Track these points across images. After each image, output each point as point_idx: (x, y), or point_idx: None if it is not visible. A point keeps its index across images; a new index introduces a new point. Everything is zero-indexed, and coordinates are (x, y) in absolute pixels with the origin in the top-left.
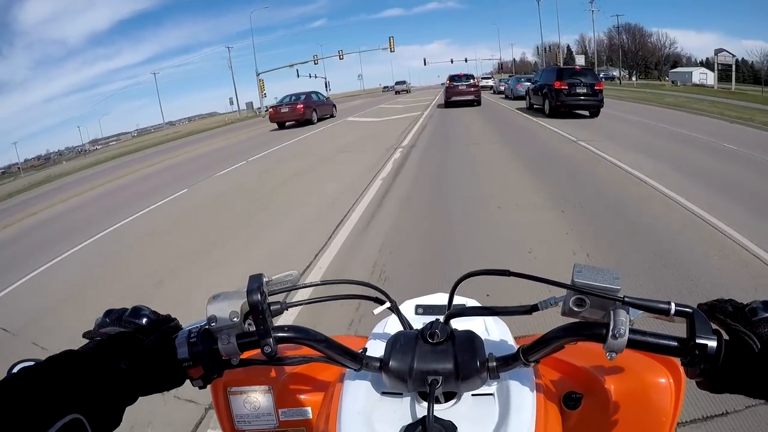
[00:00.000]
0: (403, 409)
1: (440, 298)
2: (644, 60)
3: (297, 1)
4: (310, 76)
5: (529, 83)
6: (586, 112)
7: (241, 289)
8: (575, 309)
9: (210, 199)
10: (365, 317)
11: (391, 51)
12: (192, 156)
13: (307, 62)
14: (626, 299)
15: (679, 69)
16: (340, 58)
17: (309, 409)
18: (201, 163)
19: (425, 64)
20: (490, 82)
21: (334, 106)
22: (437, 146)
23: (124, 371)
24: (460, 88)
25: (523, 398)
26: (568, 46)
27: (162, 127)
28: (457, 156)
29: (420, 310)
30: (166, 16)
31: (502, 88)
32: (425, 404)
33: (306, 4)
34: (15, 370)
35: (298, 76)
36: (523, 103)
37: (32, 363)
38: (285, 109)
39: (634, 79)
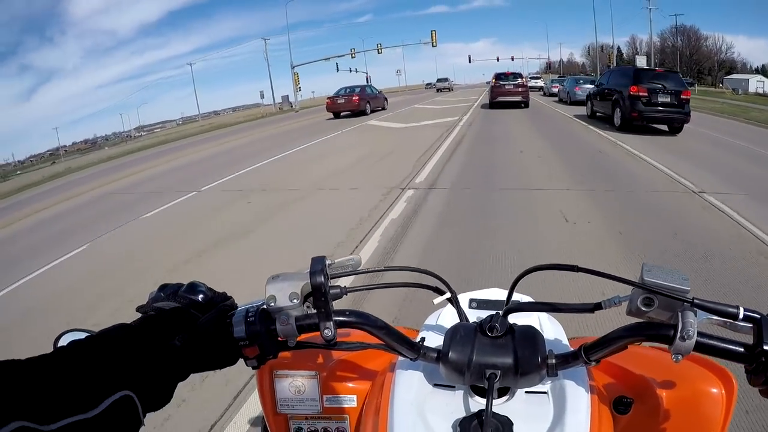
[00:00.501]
0: (456, 403)
1: (495, 293)
2: (698, 65)
3: None
4: (351, 71)
5: (590, 85)
6: (663, 126)
7: (302, 270)
8: (642, 308)
9: None
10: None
11: (432, 45)
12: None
13: (343, 56)
14: (696, 301)
15: (734, 76)
16: (378, 52)
17: (355, 397)
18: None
19: (470, 62)
20: (540, 83)
21: (386, 99)
22: (473, 182)
23: (178, 348)
24: (506, 87)
25: (578, 399)
26: (619, 48)
27: (207, 116)
28: (504, 213)
29: (474, 304)
30: (211, 10)
31: (555, 89)
32: (478, 398)
33: (350, 0)
34: (65, 341)
35: (337, 70)
36: (581, 110)
37: (83, 334)
38: (341, 100)
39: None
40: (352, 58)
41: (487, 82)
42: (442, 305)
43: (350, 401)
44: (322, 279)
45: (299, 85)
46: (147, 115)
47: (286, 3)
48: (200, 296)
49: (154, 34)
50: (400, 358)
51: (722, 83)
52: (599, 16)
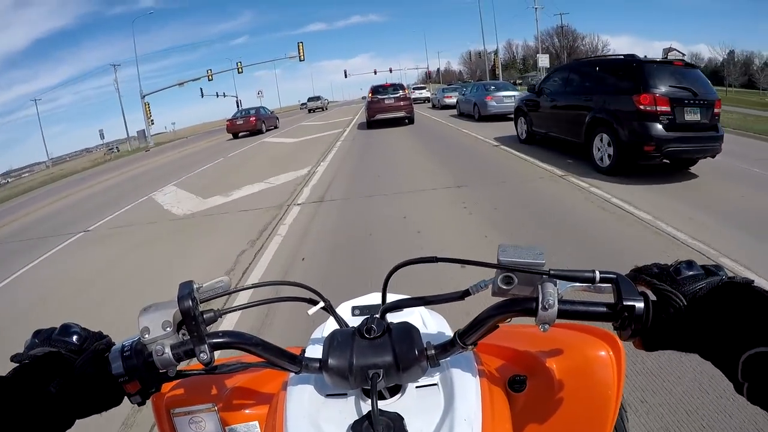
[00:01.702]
0: (348, 408)
1: (375, 298)
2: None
3: (215, 15)
4: (217, 95)
5: (508, 93)
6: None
7: (172, 299)
8: (504, 287)
9: None
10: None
11: (300, 60)
12: None
13: (199, 79)
14: (552, 272)
15: None
16: (239, 71)
17: (257, 423)
18: None
19: (346, 77)
20: (425, 93)
21: (278, 118)
22: None
23: (53, 394)
24: (386, 102)
25: (467, 385)
26: (496, 52)
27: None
28: None
29: (356, 311)
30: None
31: (450, 100)
32: (370, 401)
33: (223, 20)
34: None
35: (202, 95)
36: (499, 129)
37: None
38: (240, 122)
39: None
40: (209, 80)
41: (363, 98)
42: (325, 317)
43: (253, 429)
44: (190, 303)
45: (151, 117)
46: (16, 157)
47: (132, 21)
48: (74, 337)
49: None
50: (291, 375)
51: None
52: (474, 24)
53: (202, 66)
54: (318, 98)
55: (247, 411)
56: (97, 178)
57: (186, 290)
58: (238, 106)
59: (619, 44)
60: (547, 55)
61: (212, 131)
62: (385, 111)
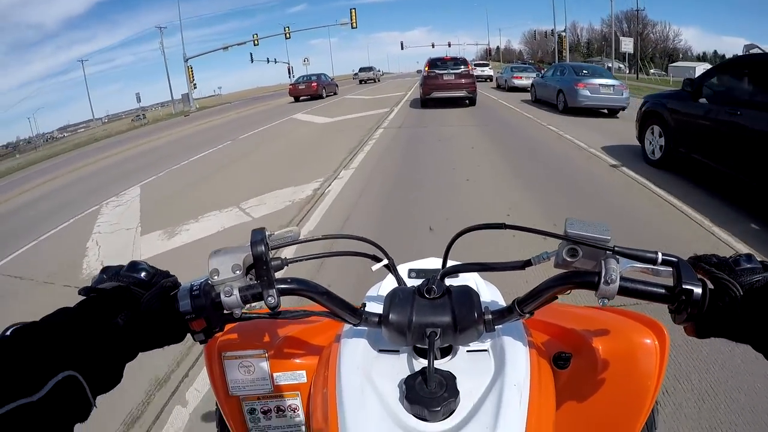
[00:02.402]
0: (400, 365)
1: (432, 263)
2: (643, 52)
3: None
4: (268, 61)
5: (604, 81)
6: None
7: (243, 244)
8: (568, 259)
9: None
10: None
11: (352, 27)
12: None
13: (244, 43)
14: (616, 248)
15: (679, 63)
16: (286, 37)
17: (304, 372)
18: None
19: (402, 49)
20: (488, 71)
21: (337, 85)
22: None
23: (121, 326)
24: (445, 78)
25: (517, 353)
26: (559, 35)
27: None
28: None
29: (413, 274)
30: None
31: (519, 82)
32: (422, 360)
33: None
34: (8, 333)
35: (252, 61)
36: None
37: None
38: (302, 86)
39: (629, 72)
40: (255, 45)
41: (418, 71)
42: (381, 276)
43: (300, 377)
44: (263, 248)
45: (194, 81)
46: (73, 114)
47: None
48: (143, 273)
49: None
50: (345, 328)
51: (666, 71)
52: (537, 2)
53: (251, 33)
54: (370, 69)
55: (296, 360)
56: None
57: (259, 236)
58: (289, 73)
59: (686, 36)
60: (632, 39)
61: (259, 97)
62: (443, 89)
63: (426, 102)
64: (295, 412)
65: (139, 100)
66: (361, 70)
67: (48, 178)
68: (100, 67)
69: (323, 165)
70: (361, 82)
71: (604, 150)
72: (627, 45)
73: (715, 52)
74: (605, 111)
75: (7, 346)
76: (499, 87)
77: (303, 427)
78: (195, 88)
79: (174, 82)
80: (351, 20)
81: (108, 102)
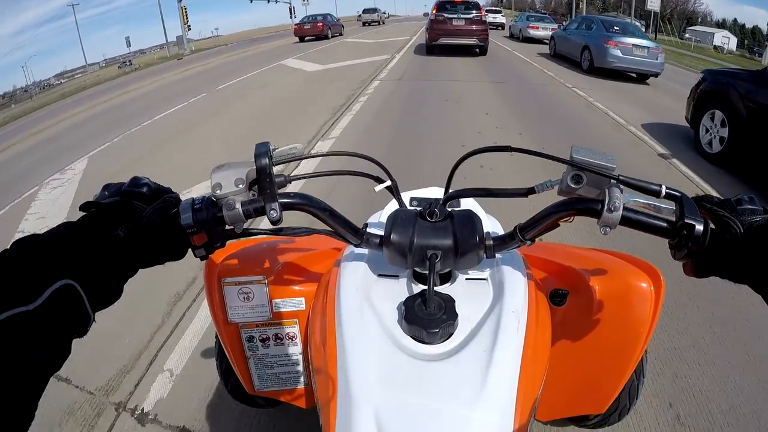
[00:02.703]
0: (399, 288)
1: (434, 192)
2: (661, 12)
3: None
4: (269, 1)
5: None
6: None
7: (247, 159)
8: (572, 186)
9: None
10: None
11: None
12: None
13: None
14: (621, 177)
15: (697, 28)
16: None
17: (303, 299)
18: None
19: None
20: (500, 18)
21: (342, 26)
22: None
23: (122, 239)
24: (454, 23)
25: (516, 283)
26: None
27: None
28: None
29: (415, 202)
30: None
31: (535, 32)
32: (421, 285)
33: None
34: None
35: (251, 0)
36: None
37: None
38: (307, 26)
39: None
40: None
41: (425, 14)
42: (384, 203)
43: (299, 304)
44: (267, 161)
45: (188, 23)
46: (69, 60)
47: None
48: (144, 188)
49: None
50: (345, 253)
51: (684, 34)
52: None
53: None
54: (374, 10)
55: (295, 287)
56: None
57: (263, 149)
58: (290, 13)
59: (752, 14)
60: None
61: (258, 38)
62: (451, 35)
63: (432, 48)
64: (293, 340)
65: (128, 44)
66: (365, 11)
67: (6, 145)
68: (96, 10)
69: (296, 132)
70: (364, 24)
71: (645, 129)
72: (654, 2)
73: (735, 20)
74: (633, 75)
75: (5, 255)
76: (512, 36)
77: (300, 356)
78: (189, 29)
79: (171, 24)
80: None
81: (106, 46)
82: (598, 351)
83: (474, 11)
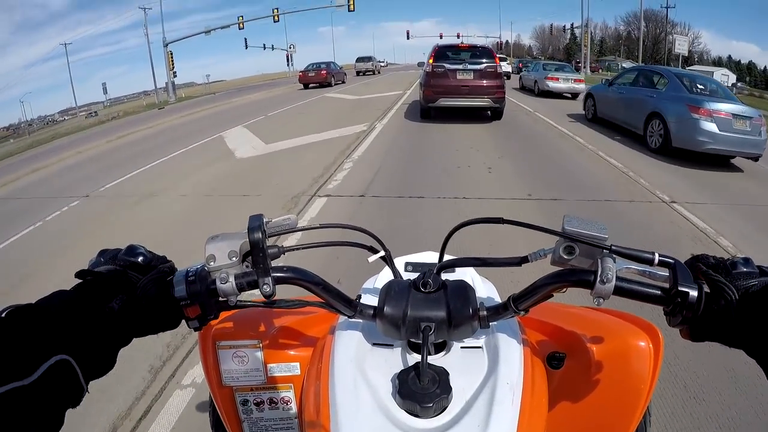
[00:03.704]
0: (394, 359)
1: (429, 257)
2: (657, 54)
3: None
4: (264, 48)
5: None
6: None
7: (240, 231)
8: (565, 257)
9: None
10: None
11: (349, 10)
12: None
13: (228, 26)
14: (613, 247)
15: (696, 67)
16: (274, 20)
17: (298, 364)
18: None
19: (408, 38)
20: (506, 66)
21: (345, 74)
22: None
23: (116, 311)
24: (459, 77)
25: (512, 351)
26: (585, 27)
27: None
28: None
29: (410, 267)
30: None
31: (557, 86)
32: (416, 355)
33: None
34: (3, 315)
35: (246, 47)
36: None
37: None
38: (312, 74)
39: None
40: (240, 28)
41: (419, 64)
42: (378, 269)
43: (294, 369)
44: (260, 235)
45: (173, 69)
46: (81, 95)
47: None
48: (140, 258)
49: None
50: (340, 320)
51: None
52: None
53: (244, 17)
54: (369, 59)
55: (290, 352)
56: None
57: (256, 222)
58: (287, 61)
59: (743, 50)
60: (687, 38)
61: (246, 88)
62: (455, 93)
63: (427, 112)
64: (288, 404)
65: (105, 91)
66: (359, 60)
67: None
68: (104, 49)
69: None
70: (358, 73)
71: None
72: (682, 46)
73: (730, 57)
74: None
75: (4, 328)
76: (523, 88)
77: (296, 421)
78: (175, 76)
79: (160, 70)
80: (348, 2)
81: (114, 84)
82: (597, 413)
83: (485, 60)
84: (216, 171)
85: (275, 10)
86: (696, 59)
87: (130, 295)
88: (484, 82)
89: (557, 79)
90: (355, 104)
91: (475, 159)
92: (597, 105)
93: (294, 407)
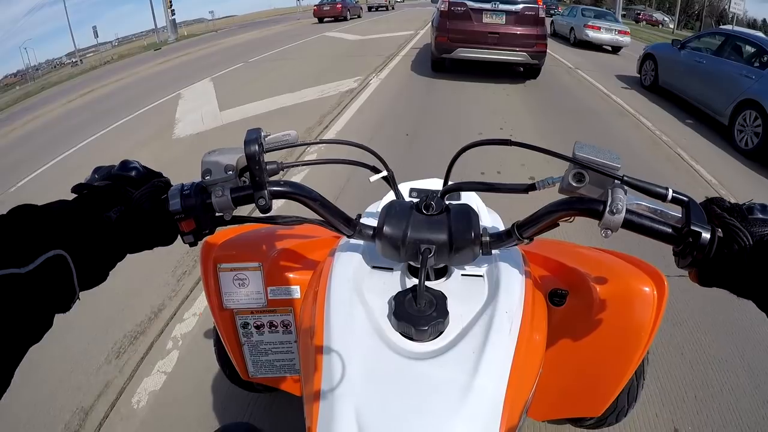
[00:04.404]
0: (392, 282)
1: (434, 183)
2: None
3: None
4: None
5: None
6: None
7: (238, 145)
8: (574, 184)
9: None
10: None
11: None
12: None
13: None
14: (626, 177)
15: (726, 27)
16: None
17: (297, 288)
18: None
19: None
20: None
21: (361, 8)
22: None
23: (113, 221)
24: (486, 21)
25: (512, 281)
26: None
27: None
28: None
29: (414, 193)
30: None
31: (600, 36)
32: (415, 279)
33: None
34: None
35: None
36: None
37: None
38: (327, 8)
39: (672, 26)
40: None
41: (433, 1)
42: (380, 185)
43: (294, 292)
44: (256, 148)
45: (172, 7)
46: (81, 39)
47: None
48: (133, 172)
49: None
50: (341, 243)
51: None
52: None
53: None
54: None
55: (290, 275)
56: None
57: (254, 135)
58: None
59: None
60: None
61: (255, 23)
62: (478, 43)
63: (440, 64)
64: (287, 328)
65: (96, 35)
66: None
67: None
68: None
69: None
70: (370, 9)
71: None
72: (738, 4)
73: (765, 20)
74: None
75: (4, 219)
76: (555, 35)
77: (295, 344)
78: (173, 14)
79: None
80: None
81: (121, 24)
82: (596, 354)
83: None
84: (179, 148)
85: None
86: (731, 18)
87: (126, 207)
88: (520, 29)
89: (598, 28)
90: (354, 47)
91: (508, 160)
92: (660, 70)
93: (294, 330)
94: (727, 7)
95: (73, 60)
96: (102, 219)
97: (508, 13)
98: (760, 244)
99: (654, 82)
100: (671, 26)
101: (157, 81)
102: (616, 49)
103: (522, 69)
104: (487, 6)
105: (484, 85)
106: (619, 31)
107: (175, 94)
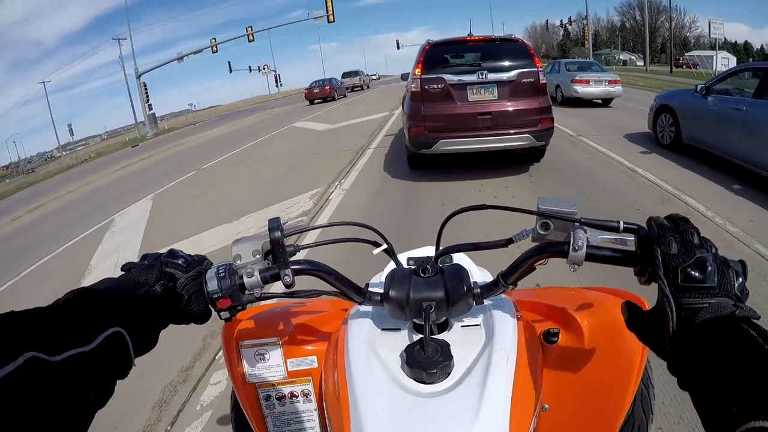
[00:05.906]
0: (401, 339)
1: (427, 250)
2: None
3: None
4: (250, 70)
5: None
6: None
7: (261, 233)
8: (542, 233)
9: None
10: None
11: (329, 21)
12: None
13: (201, 51)
14: (582, 220)
15: (695, 53)
16: (249, 39)
17: (315, 358)
18: None
19: (398, 48)
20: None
21: (346, 88)
22: None
23: (158, 294)
24: (472, 98)
25: (506, 324)
26: (566, 26)
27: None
28: None
29: (411, 261)
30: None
31: (588, 90)
32: (421, 335)
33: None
34: (71, 296)
35: (230, 71)
36: None
37: None
38: (316, 90)
39: (641, 63)
40: (213, 52)
41: (403, 77)
42: (383, 265)
43: (311, 362)
44: (279, 234)
45: (149, 102)
46: (67, 133)
47: None
48: (180, 260)
49: None
50: (351, 312)
51: (679, 60)
52: None
53: (237, 45)
54: (356, 73)
55: (307, 347)
56: None
57: (275, 224)
58: (276, 82)
59: (732, 31)
60: (722, 21)
61: (229, 114)
62: (466, 130)
63: (418, 160)
64: (307, 397)
65: (72, 133)
66: (345, 75)
67: None
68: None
69: None
70: (346, 89)
71: None
72: (718, 29)
73: (725, 39)
74: None
75: (66, 302)
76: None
77: (315, 412)
78: (150, 109)
79: (159, 98)
80: (327, 12)
81: (110, 117)
82: (595, 382)
83: (518, 62)
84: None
85: (249, 29)
86: (693, 44)
87: (170, 283)
88: (518, 103)
89: (587, 81)
90: (321, 140)
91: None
92: (682, 125)
93: (313, 398)
94: (688, 33)
95: (31, 169)
96: (149, 293)
97: (500, 83)
98: (688, 323)
99: (675, 139)
100: (639, 63)
101: (104, 195)
102: (606, 101)
103: (526, 152)
104: (472, 78)
105: (479, 183)
106: (609, 81)
107: (107, 221)
